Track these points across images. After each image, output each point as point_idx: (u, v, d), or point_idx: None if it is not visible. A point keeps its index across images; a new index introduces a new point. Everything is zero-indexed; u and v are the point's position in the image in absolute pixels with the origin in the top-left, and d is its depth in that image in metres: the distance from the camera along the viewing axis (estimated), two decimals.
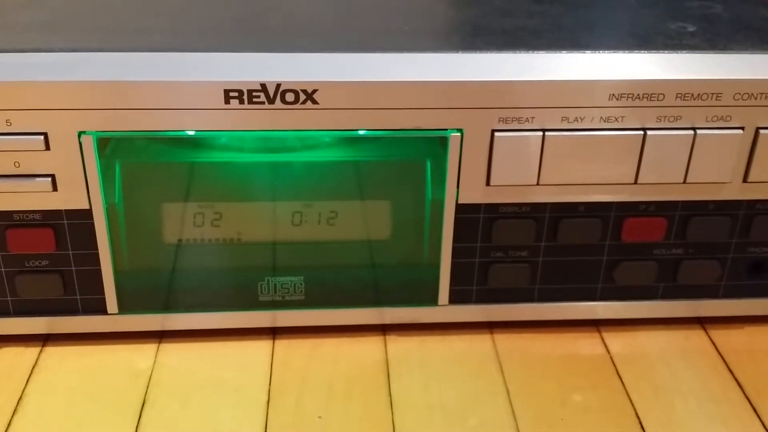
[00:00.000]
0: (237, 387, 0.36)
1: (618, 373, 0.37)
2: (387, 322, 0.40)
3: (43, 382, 0.36)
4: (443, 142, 0.35)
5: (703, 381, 0.37)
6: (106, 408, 0.35)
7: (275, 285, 0.38)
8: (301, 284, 0.38)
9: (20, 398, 0.35)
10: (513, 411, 0.35)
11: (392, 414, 0.35)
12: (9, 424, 0.34)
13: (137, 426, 0.34)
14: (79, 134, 0.34)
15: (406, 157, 0.37)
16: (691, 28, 0.39)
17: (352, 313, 0.39)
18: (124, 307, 0.38)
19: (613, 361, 0.38)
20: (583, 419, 0.35)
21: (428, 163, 0.36)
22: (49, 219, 0.36)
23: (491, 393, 0.36)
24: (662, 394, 0.36)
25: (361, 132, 0.35)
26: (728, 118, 0.35)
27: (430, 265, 0.38)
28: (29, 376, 0.37)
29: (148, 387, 0.36)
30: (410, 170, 0.37)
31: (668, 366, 0.38)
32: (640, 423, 0.35)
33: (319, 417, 0.34)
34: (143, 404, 0.35)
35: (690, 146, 0.35)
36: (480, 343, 0.39)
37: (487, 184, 0.36)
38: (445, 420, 0.35)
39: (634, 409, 0.35)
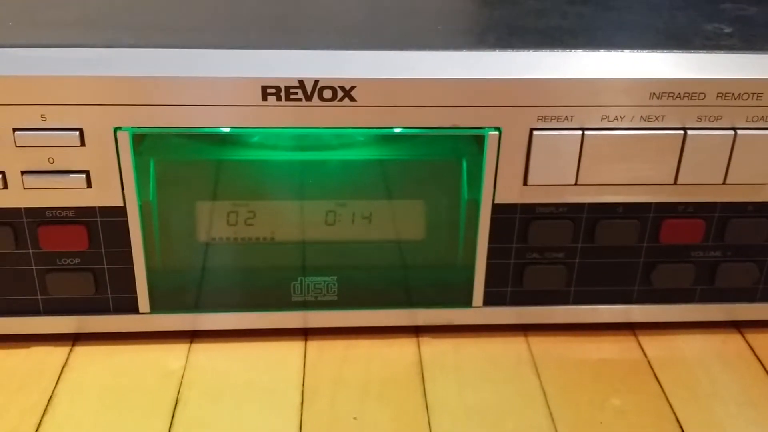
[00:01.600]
0: (270, 388, 0.36)
1: (656, 377, 0.37)
2: (420, 323, 0.39)
3: (74, 381, 0.36)
4: (480, 140, 0.35)
5: (741, 385, 0.37)
6: (137, 408, 0.34)
7: (308, 285, 0.38)
8: (334, 285, 0.38)
9: (50, 398, 0.35)
10: (551, 414, 0.34)
11: (428, 417, 0.34)
12: (39, 424, 0.33)
13: (170, 426, 0.33)
14: (115, 130, 0.33)
15: (442, 156, 0.36)
16: (727, 29, 0.39)
17: (386, 314, 0.39)
18: (156, 307, 0.37)
19: (650, 365, 0.38)
20: (623, 423, 0.34)
21: (464, 163, 0.36)
22: (83, 216, 0.35)
23: (528, 396, 0.36)
24: (701, 398, 0.36)
25: (397, 130, 0.34)
26: None
27: (464, 266, 0.38)
28: (59, 376, 0.36)
29: (180, 387, 0.36)
30: (446, 169, 0.36)
31: (706, 370, 0.37)
32: (681, 428, 0.34)
33: (355, 418, 0.34)
34: (176, 404, 0.35)
35: (730, 146, 0.35)
36: (515, 345, 0.39)
37: (524, 183, 0.36)
38: (482, 423, 0.34)
39: (674, 414, 0.35)
